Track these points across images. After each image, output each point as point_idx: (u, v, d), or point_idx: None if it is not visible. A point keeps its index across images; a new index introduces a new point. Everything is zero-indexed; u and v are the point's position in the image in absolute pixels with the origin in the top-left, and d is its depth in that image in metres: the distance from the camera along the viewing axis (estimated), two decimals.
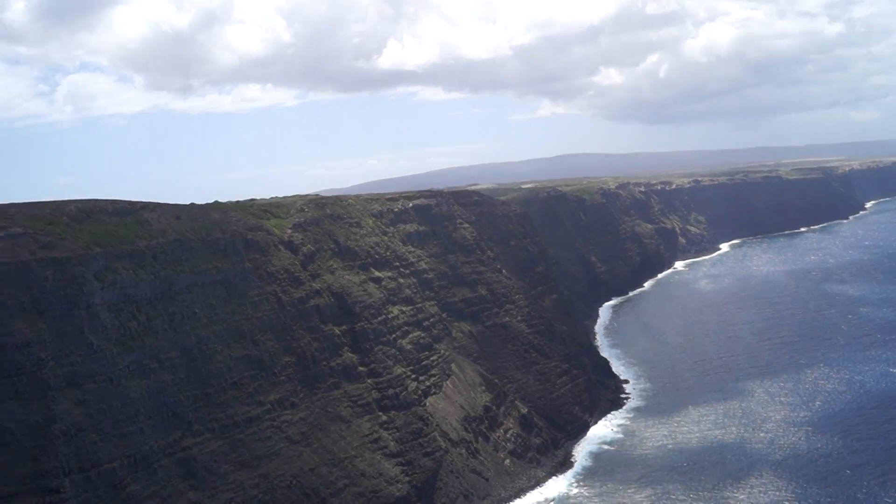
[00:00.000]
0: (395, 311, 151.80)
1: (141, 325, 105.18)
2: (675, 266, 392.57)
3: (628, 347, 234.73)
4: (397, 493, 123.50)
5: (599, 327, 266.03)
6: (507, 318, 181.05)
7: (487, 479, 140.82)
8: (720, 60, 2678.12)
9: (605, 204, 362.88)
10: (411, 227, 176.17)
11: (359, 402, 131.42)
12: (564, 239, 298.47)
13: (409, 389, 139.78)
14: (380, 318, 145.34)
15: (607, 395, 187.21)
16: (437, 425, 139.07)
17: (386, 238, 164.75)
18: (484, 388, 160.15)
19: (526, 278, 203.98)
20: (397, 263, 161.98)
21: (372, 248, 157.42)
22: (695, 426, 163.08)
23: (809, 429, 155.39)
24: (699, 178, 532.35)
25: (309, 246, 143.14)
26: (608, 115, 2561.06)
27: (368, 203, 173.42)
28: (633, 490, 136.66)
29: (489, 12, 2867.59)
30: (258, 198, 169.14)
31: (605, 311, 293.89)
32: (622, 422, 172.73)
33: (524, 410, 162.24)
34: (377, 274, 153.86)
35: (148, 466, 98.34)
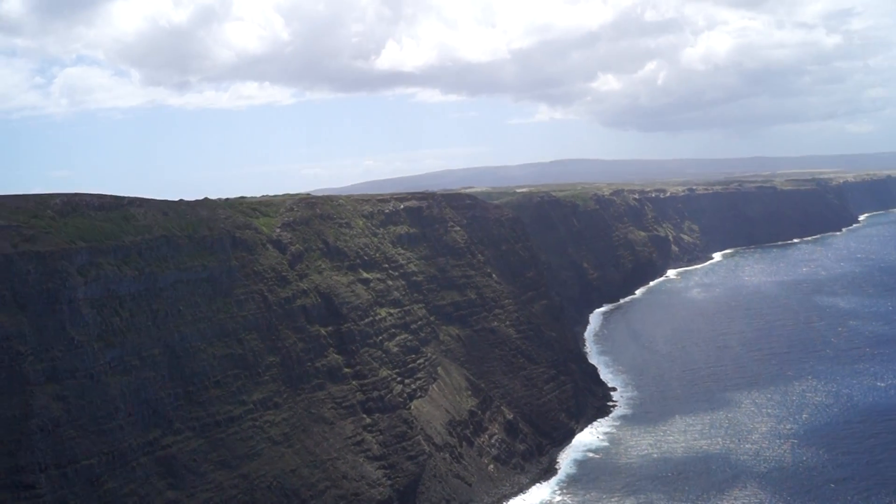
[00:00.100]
0: (383, 313, 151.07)
1: (123, 322, 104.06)
2: (668, 274, 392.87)
3: (617, 355, 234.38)
4: (379, 497, 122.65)
5: (589, 334, 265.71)
6: (495, 323, 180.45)
7: (471, 485, 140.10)
8: (718, 69, 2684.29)
9: (599, 210, 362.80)
10: (402, 229, 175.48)
11: (343, 404, 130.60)
12: (557, 244, 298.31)
13: (395, 392, 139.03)
14: (367, 320, 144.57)
15: (594, 402, 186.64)
16: (421, 429, 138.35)
17: (376, 239, 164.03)
18: (470, 392, 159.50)
19: (516, 283, 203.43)
20: (386, 265, 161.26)
21: (361, 249, 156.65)
22: (681, 436, 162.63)
23: (795, 441, 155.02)
24: (693, 187, 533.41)
25: (297, 245, 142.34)
26: (605, 121, 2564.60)
27: (359, 204, 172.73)
28: (616, 499, 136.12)
29: (488, 15, 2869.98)
30: (252, 196, 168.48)
31: (595, 317, 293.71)
32: (608, 430, 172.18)
33: (510, 416, 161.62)
34: (365, 275, 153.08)
35: (126, 464, 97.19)
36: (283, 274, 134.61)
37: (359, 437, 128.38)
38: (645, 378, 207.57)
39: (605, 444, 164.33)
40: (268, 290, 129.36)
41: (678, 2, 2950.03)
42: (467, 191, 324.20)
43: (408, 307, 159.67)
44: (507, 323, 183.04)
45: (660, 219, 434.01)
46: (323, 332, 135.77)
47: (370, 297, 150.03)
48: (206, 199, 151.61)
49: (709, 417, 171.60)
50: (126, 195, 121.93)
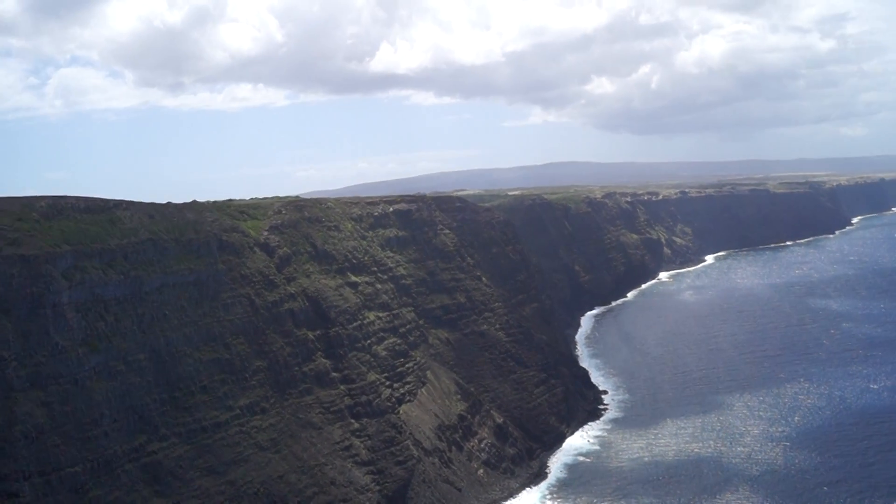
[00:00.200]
0: (371, 316, 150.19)
1: (109, 326, 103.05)
2: (660, 277, 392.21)
3: (609, 358, 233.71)
4: (367, 503, 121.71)
5: (580, 337, 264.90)
6: (485, 326, 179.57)
7: (460, 490, 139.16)
8: (712, 73, 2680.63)
9: (591, 213, 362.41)
10: (391, 232, 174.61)
11: (331, 409, 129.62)
12: (548, 247, 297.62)
13: (383, 396, 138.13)
14: (355, 324, 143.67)
15: (585, 405, 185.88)
16: (410, 434, 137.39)
17: (364, 242, 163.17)
18: (459, 396, 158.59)
19: (506, 286, 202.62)
20: (375, 268, 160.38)
21: (350, 252, 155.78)
22: (672, 439, 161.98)
23: (787, 444, 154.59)
24: (686, 190, 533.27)
25: (285, 249, 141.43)
26: (599, 124, 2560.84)
27: (348, 207, 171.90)
28: (607, 503, 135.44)
29: (483, 18, 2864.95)
30: (241, 198, 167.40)
31: (587, 320, 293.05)
32: (599, 433, 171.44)
33: (499, 420, 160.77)
34: (354, 279, 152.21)
35: (112, 471, 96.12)
36: (271, 277, 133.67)
37: (347, 443, 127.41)
38: (636, 381, 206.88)
39: (596, 447, 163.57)
40: (255, 294, 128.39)
41: (673, 5, 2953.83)
42: (459, 193, 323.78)
43: (396, 311, 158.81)
44: (497, 326, 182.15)
45: (652, 221, 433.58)
46: (311, 336, 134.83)
47: (358, 300, 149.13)
48: (193, 201, 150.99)
49: (700, 420, 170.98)
50: (116, 198, 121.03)
